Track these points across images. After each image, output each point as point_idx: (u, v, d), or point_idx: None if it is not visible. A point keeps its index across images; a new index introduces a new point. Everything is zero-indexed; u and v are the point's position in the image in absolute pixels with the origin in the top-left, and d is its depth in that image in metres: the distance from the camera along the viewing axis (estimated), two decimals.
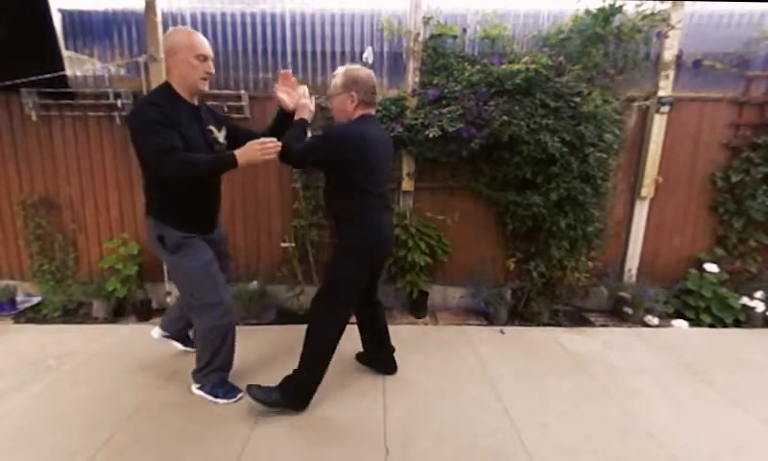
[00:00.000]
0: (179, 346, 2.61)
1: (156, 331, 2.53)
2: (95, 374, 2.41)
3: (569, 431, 1.97)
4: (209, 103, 3.18)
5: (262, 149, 1.80)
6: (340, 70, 1.97)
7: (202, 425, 1.97)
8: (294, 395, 2.05)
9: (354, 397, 2.21)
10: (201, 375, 2.16)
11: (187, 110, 1.89)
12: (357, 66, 1.98)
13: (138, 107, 1.90)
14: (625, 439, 1.93)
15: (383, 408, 2.11)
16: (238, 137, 2.07)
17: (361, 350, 2.54)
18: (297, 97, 2.08)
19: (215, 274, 2.03)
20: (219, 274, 2.07)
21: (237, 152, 1.82)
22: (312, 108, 2.08)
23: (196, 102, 1.96)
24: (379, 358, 2.42)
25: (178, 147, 1.77)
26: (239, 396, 2.15)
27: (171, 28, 1.90)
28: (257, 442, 1.87)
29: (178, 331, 2.55)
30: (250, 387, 2.05)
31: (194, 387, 2.19)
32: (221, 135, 2.08)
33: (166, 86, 1.88)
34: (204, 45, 1.87)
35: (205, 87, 1.92)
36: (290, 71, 2.08)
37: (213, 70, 1.93)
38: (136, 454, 1.79)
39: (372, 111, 2.01)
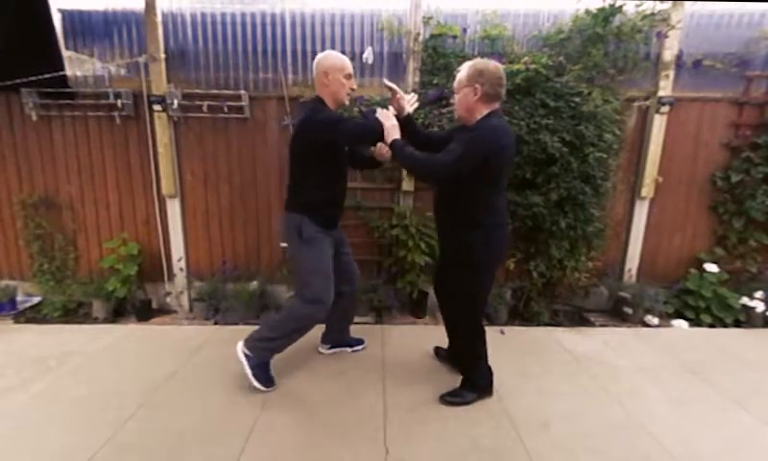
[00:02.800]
0: (347, 350, 2.66)
1: (321, 348, 2.64)
2: (95, 374, 2.41)
3: (569, 431, 1.97)
4: (209, 103, 3.22)
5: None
6: (465, 64, 1.88)
7: (201, 425, 1.97)
8: (480, 388, 2.20)
9: (354, 397, 2.21)
10: (255, 342, 2.19)
11: None
12: (486, 60, 1.87)
13: (308, 116, 2.08)
14: (625, 439, 1.93)
15: (383, 408, 2.11)
16: None
17: (436, 345, 2.62)
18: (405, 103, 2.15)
19: (331, 273, 2.22)
20: (332, 274, 2.23)
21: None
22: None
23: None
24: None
25: (349, 120, 2.19)
26: (272, 388, 2.22)
27: (321, 53, 2.13)
28: (257, 442, 1.87)
29: (340, 338, 2.65)
30: (443, 398, 2.16)
31: (240, 347, 2.19)
32: None
33: (320, 101, 2.12)
34: (350, 66, 2.13)
35: (347, 101, 2.19)
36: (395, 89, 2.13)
37: (356, 86, 2.19)
38: (136, 454, 1.79)
39: (497, 105, 1.90)
